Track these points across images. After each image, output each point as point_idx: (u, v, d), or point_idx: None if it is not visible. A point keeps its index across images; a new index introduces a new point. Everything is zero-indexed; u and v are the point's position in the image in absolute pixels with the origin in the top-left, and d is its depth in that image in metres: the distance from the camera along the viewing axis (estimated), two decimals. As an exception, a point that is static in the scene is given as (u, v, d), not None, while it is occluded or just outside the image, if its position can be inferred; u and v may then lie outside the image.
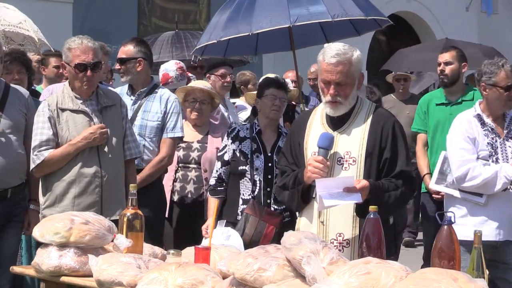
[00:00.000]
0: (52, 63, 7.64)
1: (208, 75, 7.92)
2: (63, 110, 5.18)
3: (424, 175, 6.80)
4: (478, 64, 10.80)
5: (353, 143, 4.30)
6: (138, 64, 6.09)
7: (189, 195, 6.40)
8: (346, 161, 4.29)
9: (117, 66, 6.15)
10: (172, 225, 6.41)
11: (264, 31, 6.57)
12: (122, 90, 6.15)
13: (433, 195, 6.78)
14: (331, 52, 4.27)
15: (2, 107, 5.37)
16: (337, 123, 4.37)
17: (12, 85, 5.61)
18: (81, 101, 5.21)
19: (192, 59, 8.45)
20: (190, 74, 7.90)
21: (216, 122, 6.87)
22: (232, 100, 9.30)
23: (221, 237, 5.34)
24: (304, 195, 4.33)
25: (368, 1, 6.80)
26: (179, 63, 7.44)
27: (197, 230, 5.89)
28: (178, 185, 6.42)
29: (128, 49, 6.11)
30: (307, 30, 7.04)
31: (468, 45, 11.86)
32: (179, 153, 6.41)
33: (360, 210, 4.19)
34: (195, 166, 6.43)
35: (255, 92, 8.52)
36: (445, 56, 6.90)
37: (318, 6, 6.35)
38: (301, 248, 3.31)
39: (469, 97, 6.85)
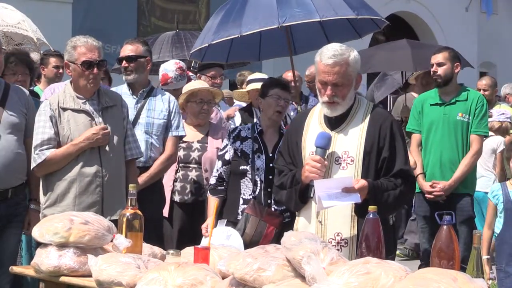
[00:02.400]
0: (51, 63, 7.64)
1: (198, 75, 7.93)
2: (64, 109, 5.18)
3: (418, 175, 6.81)
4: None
5: (351, 142, 4.30)
6: (146, 63, 6.11)
7: (190, 195, 6.40)
8: (344, 160, 4.29)
9: (124, 64, 6.10)
10: (173, 225, 6.41)
11: (266, 37, 6.62)
12: (119, 90, 6.12)
13: (426, 195, 6.80)
14: (328, 53, 4.27)
15: (2, 106, 5.37)
16: (335, 122, 4.36)
17: (12, 84, 5.61)
18: (83, 101, 5.21)
19: (192, 64, 8.45)
20: (190, 74, 7.90)
21: (215, 122, 6.89)
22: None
23: (221, 237, 5.34)
24: (302, 194, 4.32)
25: (362, 1, 6.82)
26: (178, 63, 7.41)
27: (198, 230, 5.89)
28: (178, 185, 6.42)
29: (137, 47, 6.11)
30: (309, 35, 7.09)
31: (424, 46, 11.85)
32: (180, 153, 6.42)
33: (360, 210, 4.19)
34: (195, 166, 6.44)
35: (244, 90, 8.56)
36: (438, 57, 6.93)
37: (307, 7, 6.38)
38: (301, 248, 3.31)
39: (462, 97, 6.87)
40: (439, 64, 6.89)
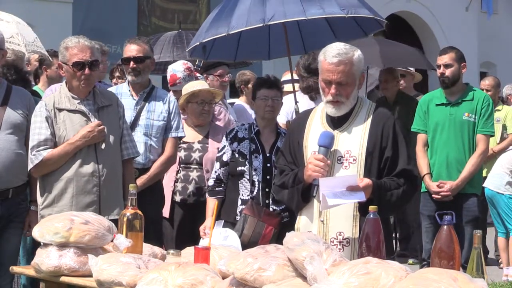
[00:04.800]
0: (55, 64, 7.63)
1: (205, 75, 7.92)
2: (60, 110, 5.17)
3: (424, 175, 6.81)
4: (399, 63, 10.68)
5: (354, 142, 4.30)
6: (151, 64, 6.11)
7: (191, 196, 6.40)
8: (347, 160, 4.28)
9: (133, 65, 6.01)
10: (174, 225, 6.41)
11: (275, 35, 6.65)
12: (118, 89, 6.11)
13: (433, 195, 6.79)
14: (333, 51, 4.26)
15: (4, 107, 5.37)
16: (338, 122, 4.36)
17: (14, 86, 5.62)
18: (78, 101, 5.20)
19: (196, 63, 8.43)
20: (198, 74, 7.89)
21: (221, 124, 6.89)
22: (232, 100, 9.33)
23: (218, 238, 5.33)
24: (304, 194, 4.32)
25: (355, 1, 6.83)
26: (186, 64, 7.39)
27: (199, 230, 5.89)
28: (179, 185, 6.42)
29: (143, 48, 6.04)
30: (317, 33, 7.13)
31: (392, 44, 11.80)
32: (181, 154, 6.42)
33: (362, 209, 4.18)
34: (196, 166, 6.43)
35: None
36: (445, 58, 6.91)
37: (294, 5, 6.41)
38: (304, 249, 3.30)
39: (469, 97, 6.87)
40: (446, 66, 6.87)
